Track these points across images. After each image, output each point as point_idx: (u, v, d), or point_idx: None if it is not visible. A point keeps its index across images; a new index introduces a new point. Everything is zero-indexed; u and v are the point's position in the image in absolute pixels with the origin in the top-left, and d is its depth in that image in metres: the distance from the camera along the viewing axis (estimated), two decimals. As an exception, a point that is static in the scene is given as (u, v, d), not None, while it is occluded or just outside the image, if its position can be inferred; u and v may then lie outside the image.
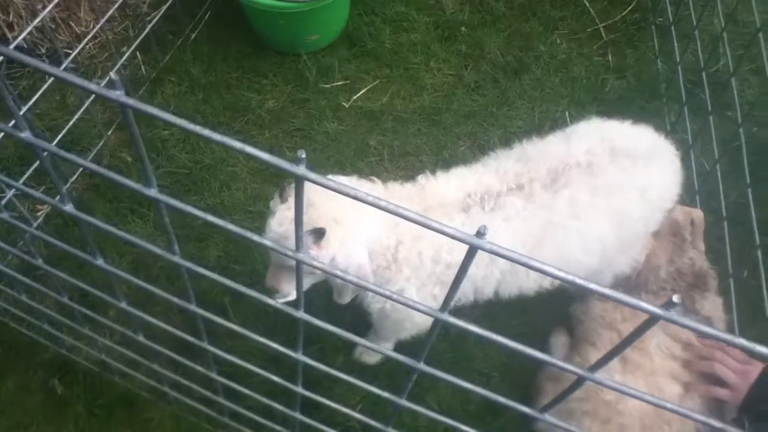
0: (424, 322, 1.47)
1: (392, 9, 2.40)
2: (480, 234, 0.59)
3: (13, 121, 0.66)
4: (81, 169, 1.97)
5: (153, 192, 0.68)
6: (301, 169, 0.53)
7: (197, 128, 0.54)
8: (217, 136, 0.54)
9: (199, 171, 2.03)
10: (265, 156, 0.53)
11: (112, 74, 0.57)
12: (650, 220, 1.46)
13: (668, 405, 0.61)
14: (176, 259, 0.80)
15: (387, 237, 1.29)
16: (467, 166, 1.42)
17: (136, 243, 0.78)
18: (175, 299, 0.90)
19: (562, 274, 0.57)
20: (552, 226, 1.29)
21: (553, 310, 1.71)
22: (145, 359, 1.34)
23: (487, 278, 1.38)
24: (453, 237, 0.59)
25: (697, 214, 1.63)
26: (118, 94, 0.55)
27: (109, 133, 2.08)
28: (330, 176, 1.08)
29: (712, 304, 1.60)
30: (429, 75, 2.27)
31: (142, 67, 2.23)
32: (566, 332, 1.73)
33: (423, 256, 1.32)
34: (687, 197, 1.99)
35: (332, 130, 2.12)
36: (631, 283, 1.64)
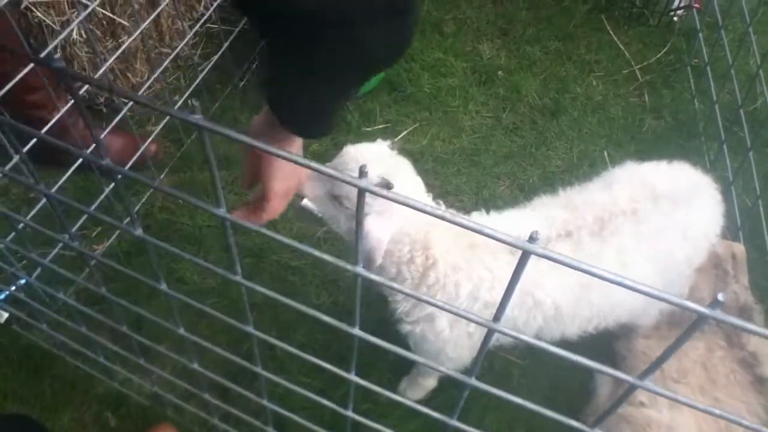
0: (458, 357, 1.47)
1: (431, 56, 2.49)
2: (533, 239, 0.60)
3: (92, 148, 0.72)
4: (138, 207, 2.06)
5: (222, 211, 0.73)
6: (363, 182, 0.57)
7: (268, 147, 0.60)
8: (285, 154, 0.59)
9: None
10: (327, 170, 0.58)
11: (192, 101, 0.63)
12: (694, 258, 1.46)
13: (724, 414, 0.63)
14: (238, 278, 0.84)
15: (413, 249, 1.30)
16: (517, 209, 1.44)
17: (200, 264, 0.83)
18: (232, 321, 0.95)
19: (643, 288, 0.58)
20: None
21: (598, 346, 1.71)
22: (197, 389, 1.38)
23: (528, 324, 1.37)
24: (505, 242, 0.60)
25: (739, 248, 1.62)
26: (198, 118, 0.62)
27: (162, 176, 2.17)
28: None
29: (758, 339, 1.58)
30: (467, 117, 2.33)
31: (193, 114, 2.34)
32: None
33: (460, 289, 1.33)
34: (730, 234, 1.98)
35: (374, 172, 2.18)
36: (675, 317, 1.64)
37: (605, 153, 2.22)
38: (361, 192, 0.59)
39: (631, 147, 2.24)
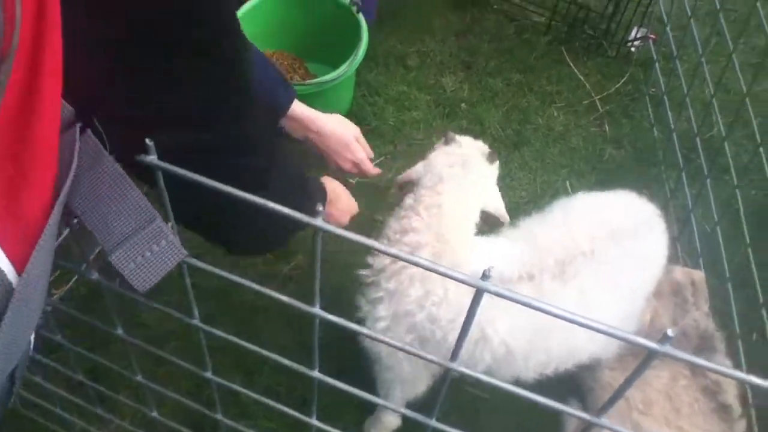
0: (415, 378, 1.43)
1: (394, 89, 2.51)
2: (485, 276, 0.60)
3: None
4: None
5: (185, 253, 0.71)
6: (318, 221, 0.57)
7: (226, 188, 0.59)
8: (239, 193, 0.59)
9: (214, 249, 2.08)
10: (285, 210, 0.57)
11: (148, 141, 0.62)
12: (648, 288, 1.48)
13: None
14: (195, 322, 0.83)
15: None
16: (486, 238, 1.45)
17: (156, 307, 0.82)
18: (190, 367, 0.93)
19: (596, 325, 0.58)
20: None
21: (565, 377, 1.71)
22: (156, 439, 1.35)
23: (474, 359, 1.33)
24: (459, 280, 0.60)
25: (698, 275, 1.64)
26: (152, 158, 0.61)
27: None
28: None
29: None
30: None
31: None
32: (578, 402, 1.72)
33: (411, 289, 1.31)
34: (690, 261, 2.01)
35: (339, 207, 2.18)
36: (640, 348, 1.65)
37: (567, 183, 2.24)
38: (318, 231, 0.59)
39: (592, 177, 2.26)
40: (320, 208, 0.56)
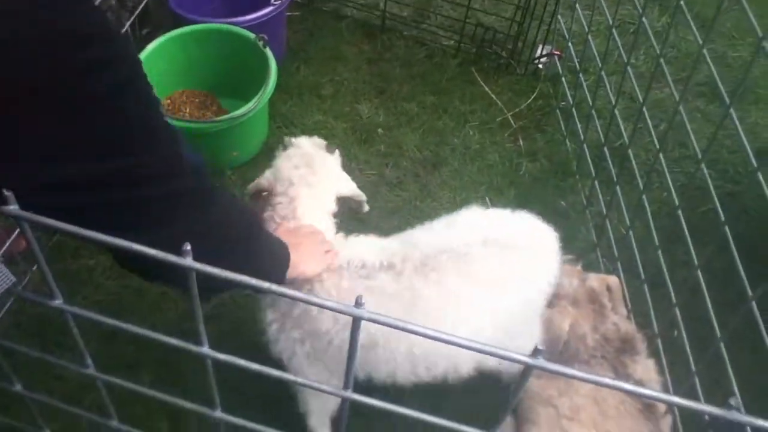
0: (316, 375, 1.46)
1: (311, 119, 2.50)
2: (359, 304, 0.60)
3: None
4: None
5: (58, 302, 0.68)
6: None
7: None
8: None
9: (129, 295, 2.01)
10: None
11: (5, 191, 0.59)
12: (537, 303, 1.50)
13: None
14: (89, 370, 0.79)
15: None
16: (367, 236, 1.49)
17: (56, 363, 0.79)
18: (101, 419, 0.89)
19: (458, 340, 0.58)
20: (421, 310, 1.31)
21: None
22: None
23: (369, 364, 1.39)
24: (333, 309, 0.60)
25: (613, 280, 1.68)
26: (13, 209, 0.57)
27: (34, 268, 2.05)
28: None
29: (643, 367, 1.62)
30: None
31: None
32: (511, 413, 1.72)
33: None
34: (610, 264, 2.06)
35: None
36: (563, 356, 1.66)
37: (487, 199, 2.27)
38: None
39: (510, 191, 2.30)
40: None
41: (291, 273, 1.19)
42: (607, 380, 0.58)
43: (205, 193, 0.83)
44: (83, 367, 0.83)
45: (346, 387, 0.67)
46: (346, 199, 1.59)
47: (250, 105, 2.11)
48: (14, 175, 0.62)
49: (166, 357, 1.85)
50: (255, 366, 0.69)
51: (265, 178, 1.52)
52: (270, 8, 2.36)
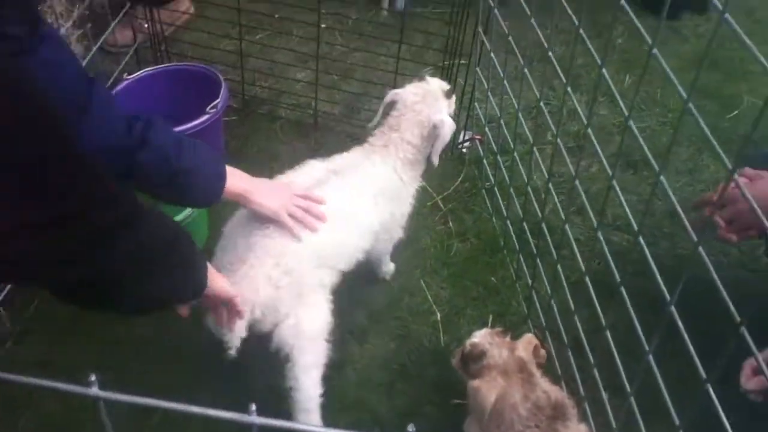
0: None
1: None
2: (251, 412, 0.67)
3: None
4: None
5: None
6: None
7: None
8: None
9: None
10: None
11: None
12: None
13: None
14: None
15: None
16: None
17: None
18: None
19: None
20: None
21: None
22: None
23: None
24: (231, 420, 0.67)
25: (529, 337, 1.79)
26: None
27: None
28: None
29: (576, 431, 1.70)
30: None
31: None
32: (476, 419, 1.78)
33: None
34: (540, 334, 2.16)
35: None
36: (500, 428, 1.72)
37: (422, 282, 2.38)
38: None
39: (444, 272, 2.41)
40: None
41: (248, 204, 1.73)
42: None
43: (134, 213, 0.94)
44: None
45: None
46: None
47: (187, 212, 2.20)
48: None
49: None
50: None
51: (395, 93, 2.06)
52: (206, 116, 2.49)
